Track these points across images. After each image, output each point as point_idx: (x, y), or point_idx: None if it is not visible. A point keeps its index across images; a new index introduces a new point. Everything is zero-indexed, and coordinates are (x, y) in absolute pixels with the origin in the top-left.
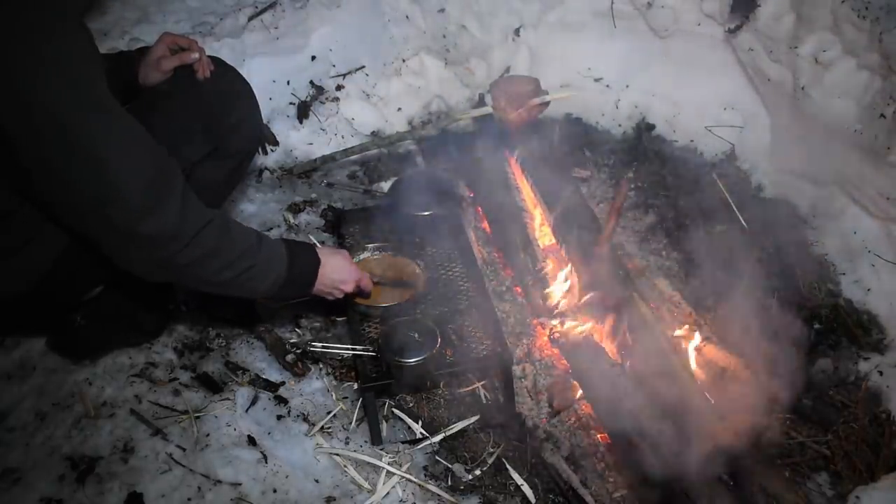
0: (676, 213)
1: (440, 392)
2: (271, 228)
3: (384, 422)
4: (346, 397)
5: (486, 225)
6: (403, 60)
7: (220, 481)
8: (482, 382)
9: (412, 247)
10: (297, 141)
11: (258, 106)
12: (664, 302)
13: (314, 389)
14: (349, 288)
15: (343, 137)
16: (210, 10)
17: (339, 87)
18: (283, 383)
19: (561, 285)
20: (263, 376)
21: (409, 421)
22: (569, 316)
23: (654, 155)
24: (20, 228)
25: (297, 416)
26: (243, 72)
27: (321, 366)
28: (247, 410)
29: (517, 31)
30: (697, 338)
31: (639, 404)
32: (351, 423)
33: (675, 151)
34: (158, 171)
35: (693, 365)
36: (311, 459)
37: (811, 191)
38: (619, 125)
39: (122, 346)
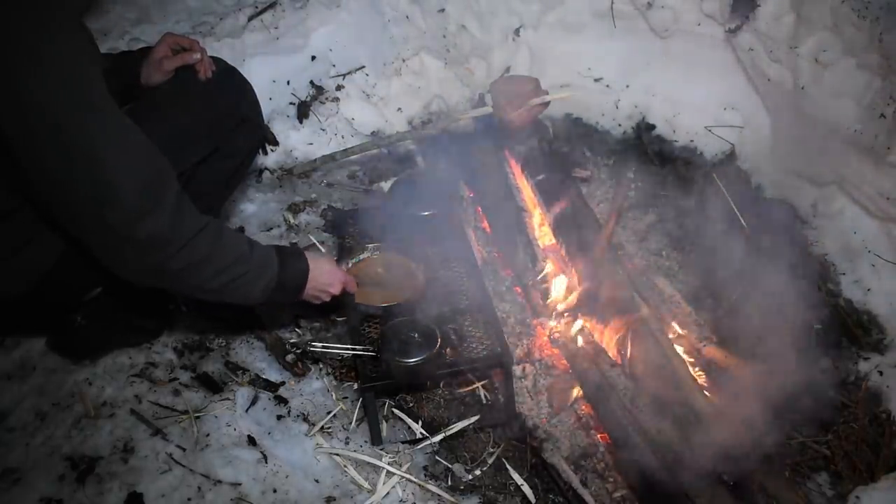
0: (676, 213)
1: (440, 392)
2: (271, 228)
3: (384, 422)
4: (346, 397)
5: (486, 225)
6: (403, 60)
7: (220, 481)
8: (482, 382)
9: (412, 247)
10: (297, 141)
11: (259, 106)
12: (664, 302)
13: (314, 389)
14: (336, 290)
15: (343, 137)
16: (210, 10)
17: (339, 87)
18: (283, 383)
19: (561, 285)
20: (263, 376)
21: (409, 421)
22: (569, 316)
23: (654, 155)
24: (20, 228)
25: (297, 416)
26: (243, 72)
27: (321, 366)
28: (247, 410)
29: (517, 31)
30: (698, 338)
31: (639, 404)
32: (351, 423)
33: (675, 151)
34: (154, 174)
35: (693, 365)
36: (311, 459)
37: (811, 191)
38: (619, 125)
39: (122, 346)
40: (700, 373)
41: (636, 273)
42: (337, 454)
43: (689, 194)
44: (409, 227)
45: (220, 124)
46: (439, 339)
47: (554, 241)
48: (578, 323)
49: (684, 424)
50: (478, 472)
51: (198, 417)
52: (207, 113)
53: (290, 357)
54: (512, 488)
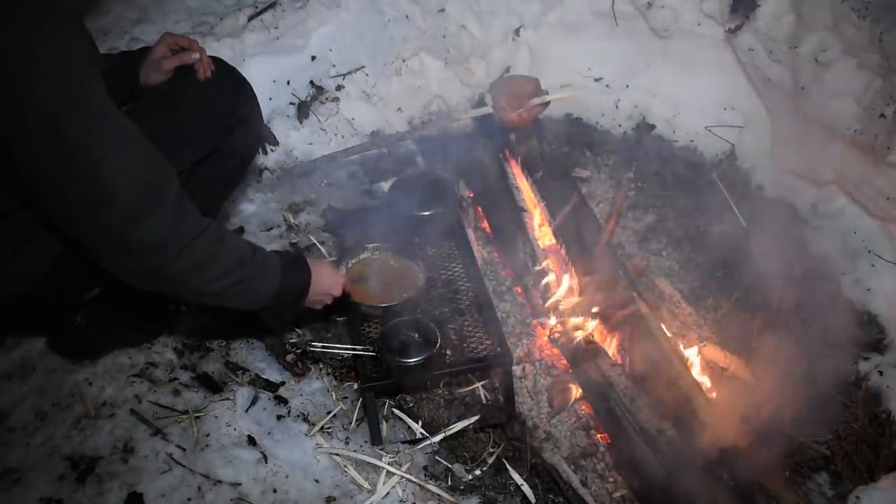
0: (676, 213)
1: (440, 392)
2: (271, 228)
3: (384, 422)
4: (346, 397)
5: (486, 225)
6: (403, 60)
7: (220, 481)
8: (482, 382)
9: (412, 247)
10: (297, 141)
11: (259, 106)
12: (664, 302)
13: (314, 389)
14: (338, 292)
15: (343, 137)
16: (210, 10)
17: (339, 87)
18: (283, 383)
19: (561, 285)
20: (263, 376)
21: (409, 421)
22: (569, 316)
23: (654, 155)
24: (20, 229)
25: (297, 416)
26: (243, 72)
27: (321, 366)
28: (247, 410)
29: (517, 31)
30: (697, 338)
31: (639, 404)
32: (351, 423)
33: (675, 151)
34: (154, 174)
35: (693, 365)
36: (311, 459)
37: (811, 191)
38: (619, 125)
39: (122, 346)
40: (700, 373)
41: (636, 273)
42: (337, 454)
43: (688, 194)
44: (409, 227)
45: (219, 124)
46: (439, 339)
47: (554, 241)
48: (578, 323)
49: (684, 424)
50: (478, 472)
51: (198, 417)
52: (207, 113)
53: (290, 357)
54: (512, 488)
